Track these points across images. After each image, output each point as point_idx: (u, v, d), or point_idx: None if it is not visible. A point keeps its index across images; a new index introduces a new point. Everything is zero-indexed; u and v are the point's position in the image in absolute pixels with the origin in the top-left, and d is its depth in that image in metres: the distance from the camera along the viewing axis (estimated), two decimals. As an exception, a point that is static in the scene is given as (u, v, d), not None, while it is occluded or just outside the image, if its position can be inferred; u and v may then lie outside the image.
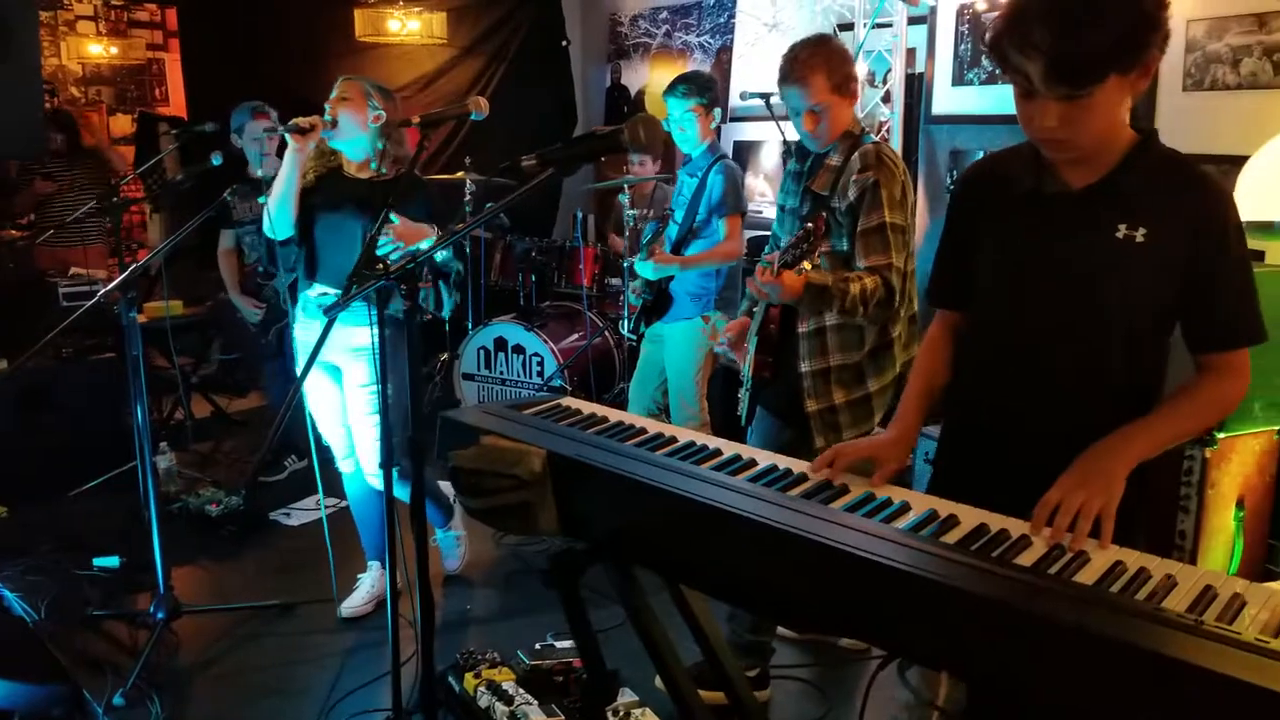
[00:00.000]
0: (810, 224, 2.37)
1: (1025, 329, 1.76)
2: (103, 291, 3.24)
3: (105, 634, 3.41)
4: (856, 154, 2.73)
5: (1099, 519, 1.52)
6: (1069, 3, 1.49)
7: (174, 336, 4.64)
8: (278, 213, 3.26)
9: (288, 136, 3.14)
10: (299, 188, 3.26)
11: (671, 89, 3.84)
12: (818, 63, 2.70)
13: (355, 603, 3.57)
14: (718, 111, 3.87)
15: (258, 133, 4.64)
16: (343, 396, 3.43)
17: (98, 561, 3.84)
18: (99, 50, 8.43)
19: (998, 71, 4.22)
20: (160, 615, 3.25)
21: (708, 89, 3.83)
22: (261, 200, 4.49)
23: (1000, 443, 1.80)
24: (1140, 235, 1.63)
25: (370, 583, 3.62)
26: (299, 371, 3.34)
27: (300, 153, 3.18)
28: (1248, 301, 1.68)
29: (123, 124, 8.79)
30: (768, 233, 5.99)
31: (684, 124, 3.81)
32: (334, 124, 3.22)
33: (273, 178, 4.50)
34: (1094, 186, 1.68)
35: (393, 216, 3.00)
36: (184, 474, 4.87)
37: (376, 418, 3.28)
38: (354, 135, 3.28)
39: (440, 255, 3.28)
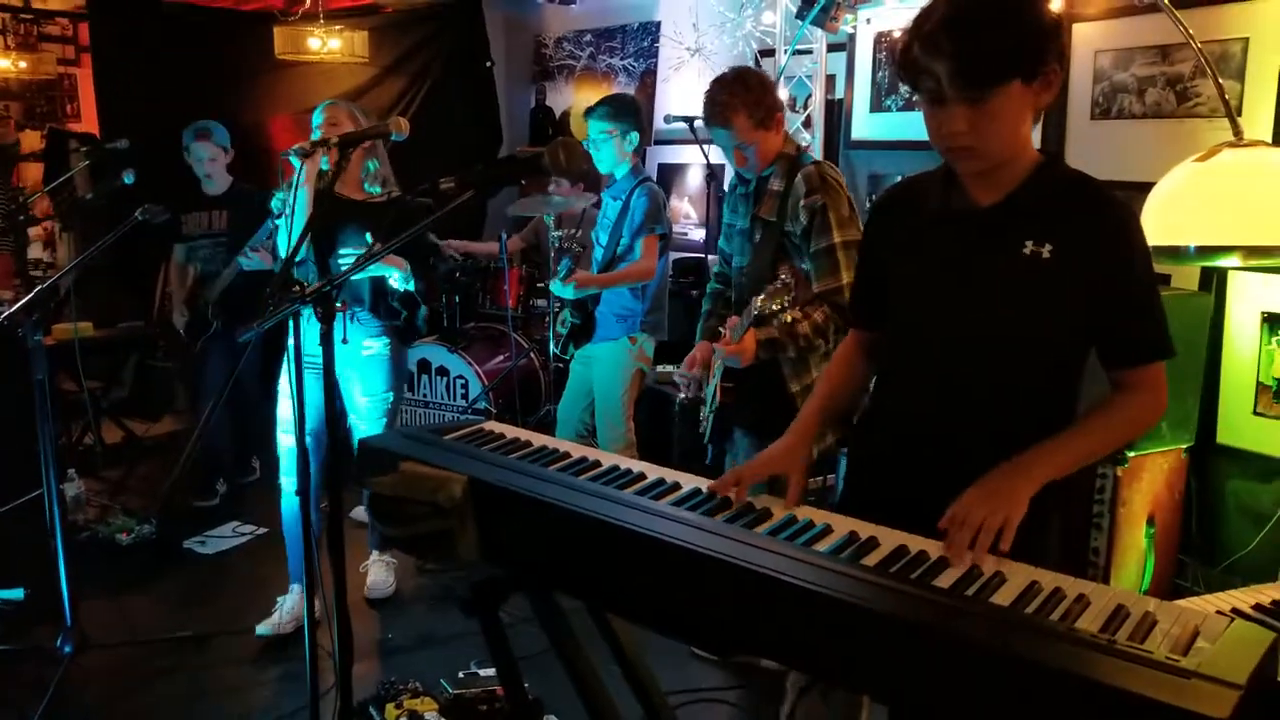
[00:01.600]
0: (786, 278, 2.42)
1: (936, 345, 1.80)
2: (7, 313, 3.13)
3: (8, 670, 3.28)
4: (800, 176, 2.81)
5: (1001, 533, 1.55)
6: (973, 11, 1.59)
7: (84, 359, 4.51)
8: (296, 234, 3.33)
9: (295, 161, 3.13)
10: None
11: (592, 110, 3.91)
12: (737, 104, 2.79)
13: (275, 621, 3.50)
14: (634, 136, 3.90)
15: (199, 154, 4.61)
16: (309, 407, 3.43)
17: (0, 594, 3.70)
18: (7, 64, 8.15)
19: (914, 97, 4.31)
20: (67, 649, 3.13)
21: (626, 114, 3.88)
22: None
23: (915, 457, 1.83)
24: (1046, 252, 1.68)
25: (291, 604, 3.55)
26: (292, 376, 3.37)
27: (309, 174, 3.23)
28: (1157, 317, 1.72)
29: (32, 140, 8.52)
30: (695, 255, 6.01)
31: (598, 144, 3.87)
32: (327, 150, 3.24)
33: (220, 195, 4.59)
34: (1001, 204, 1.72)
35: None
36: (93, 501, 4.72)
37: (384, 422, 3.63)
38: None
39: (401, 284, 3.50)
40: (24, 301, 3.05)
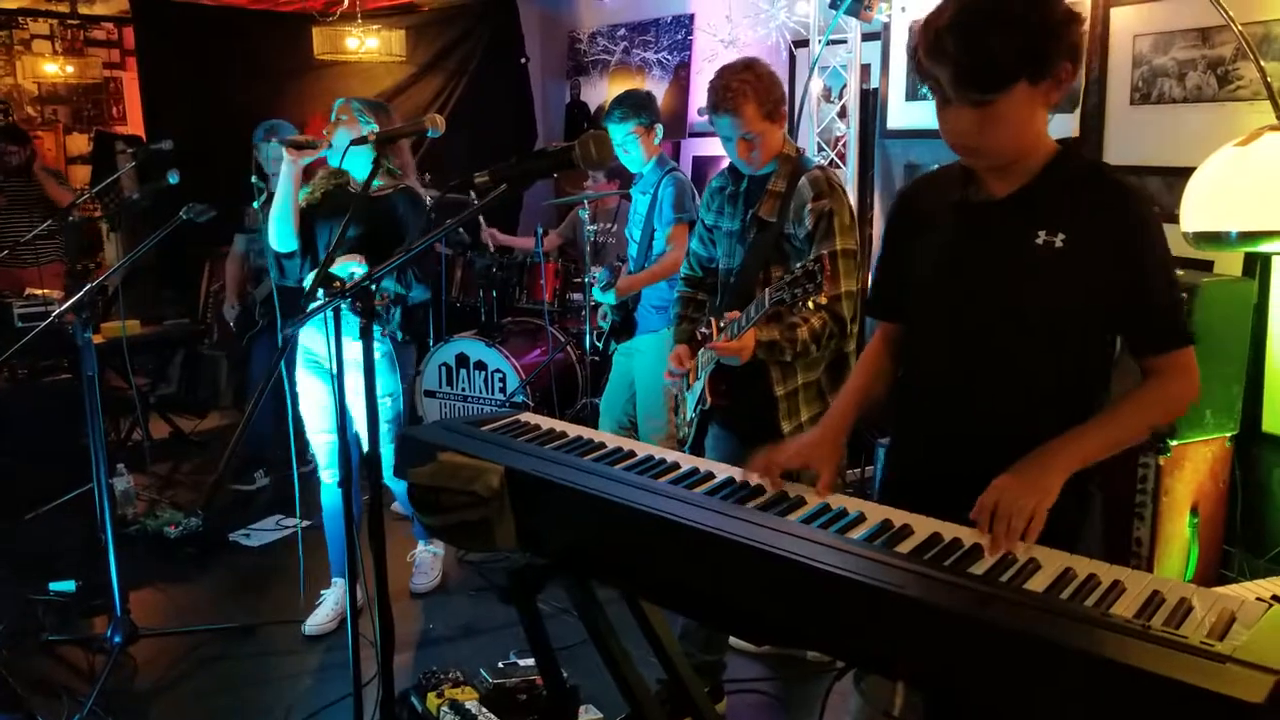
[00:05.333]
0: (814, 265, 2.31)
1: (954, 336, 1.80)
2: (57, 311, 3.21)
3: (61, 659, 3.36)
4: (806, 180, 2.74)
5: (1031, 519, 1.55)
6: (976, 15, 1.57)
7: (131, 356, 4.61)
8: (276, 226, 3.35)
9: (283, 151, 3.19)
10: (297, 203, 3.34)
11: (609, 114, 3.87)
12: (747, 90, 2.71)
13: (319, 620, 3.55)
14: (659, 128, 3.91)
15: (267, 153, 4.59)
16: (334, 404, 3.42)
17: (53, 586, 3.78)
18: (55, 69, 8.33)
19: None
20: (117, 639, 3.20)
21: (644, 107, 3.86)
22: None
23: (939, 449, 1.83)
24: (1060, 241, 1.68)
25: (335, 599, 3.61)
26: (284, 382, 3.43)
27: (293, 166, 3.24)
28: (1176, 305, 1.73)
29: (79, 143, 8.70)
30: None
31: (627, 146, 3.86)
32: (329, 144, 3.28)
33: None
34: (1015, 195, 1.73)
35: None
36: (142, 496, 4.82)
37: (385, 427, 3.45)
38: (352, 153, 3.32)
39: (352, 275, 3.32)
40: (73, 300, 3.12)
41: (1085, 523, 1.75)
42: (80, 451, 4.02)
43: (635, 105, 3.85)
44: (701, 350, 2.89)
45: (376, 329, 3.39)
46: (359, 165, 3.37)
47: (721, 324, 2.69)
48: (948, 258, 1.80)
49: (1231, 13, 2.91)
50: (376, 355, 3.40)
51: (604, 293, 3.95)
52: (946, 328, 1.81)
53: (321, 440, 3.52)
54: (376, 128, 3.30)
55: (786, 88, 5.66)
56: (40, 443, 4.64)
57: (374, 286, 2.14)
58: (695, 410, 2.96)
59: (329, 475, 3.54)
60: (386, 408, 3.52)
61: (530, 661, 2.96)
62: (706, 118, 5.21)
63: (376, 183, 3.41)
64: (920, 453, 1.89)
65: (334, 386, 3.35)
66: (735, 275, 2.89)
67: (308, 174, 3.44)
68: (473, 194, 1.87)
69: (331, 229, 3.38)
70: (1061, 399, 1.74)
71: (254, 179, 3.43)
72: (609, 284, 3.92)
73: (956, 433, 1.80)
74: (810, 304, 2.35)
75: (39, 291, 5.27)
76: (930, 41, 1.60)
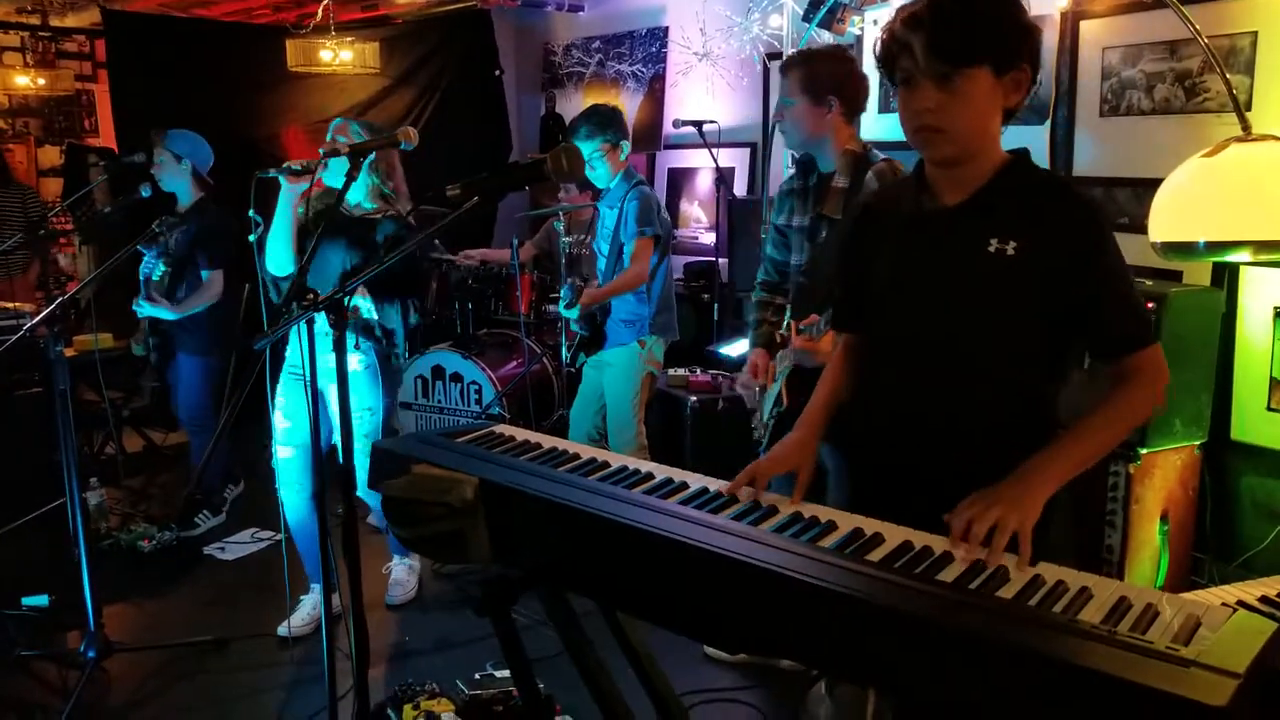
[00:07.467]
0: None
1: (910, 344, 1.82)
2: (28, 325, 3.19)
3: (34, 675, 3.33)
4: (872, 174, 2.79)
5: (1016, 537, 1.55)
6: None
7: (104, 369, 4.57)
8: (273, 251, 3.33)
9: (281, 178, 3.16)
10: (296, 225, 3.32)
11: (575, 131, 3.90)
12: (798, 62, 2.93)
13: (297, 622, 3.55)
14: (625, 145, 3.94)
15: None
16: (306, 417, 3.44)
17: (26, 600, 3.75)
18: (26, 81, 8.27)
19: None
20: (91, 654, 3.18)
21: (610, 124, 3.89)
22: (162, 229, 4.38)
23: (897, 457, 1.85)
24: (1011, 249, 1.70)
25: (311, 604, 3.61)
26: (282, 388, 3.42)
27: (291, 193, 3.24)
28: (1135, 307, 1.75)
29: (51, 155, 8.64)
30: (706, 259, 5.99)
31: (593, 163, 3.89)
32: (324, 166, 3.24)
33: (184, 211, 4.47)
34: (966, 203, 1.75)
35: None
36: (115, 509, 4.78)
37: (366, 440, 3.41)
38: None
39: (366, 314, 3.44)
40: (44, 314, 3.10)
41: (1047, 538, 1.77)
42: (53, 465, 3.99)
43: (601, 123, 3.88)
44: (780, 354, 2.91)
45: (365, 343, 3.48)
46: (352, 185, 3.38)
47: (801, 326, 2.73)
48: (901, 268, 1.83)
49: (1198, 26, 2.96)
50: (360, 367, 3.51)
51: (567, 310, 3.97)
52: (901, 337, 1.84)
53: (286, 453, 3.48)
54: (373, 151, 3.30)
55: (760, 100, 5.75)
56: (12, 457, 4.59)
57: (347, 300, 2.13)
58: (772, 413, 2.98)
59: (296, 490, 3.49)
60: (365, 420, 3.50)
61: (506, 673, 2.96)
62: (682, 129, 5.28)
63: (369, 205, 3.49)
64: (879, 460, 1.91)
65: (309, 399, 3.39)
66: (805, 273, 2.94)
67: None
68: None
69: (320, 250, 3.32)
70: (1016, 406, 1.76)
71: (251, 211, 3.40)
72: (572, 302, 3.93)
73: (913, 437, 1.82)
74: None
75: (10, 305, 5.22)
76: (908, 16, 1.67)
